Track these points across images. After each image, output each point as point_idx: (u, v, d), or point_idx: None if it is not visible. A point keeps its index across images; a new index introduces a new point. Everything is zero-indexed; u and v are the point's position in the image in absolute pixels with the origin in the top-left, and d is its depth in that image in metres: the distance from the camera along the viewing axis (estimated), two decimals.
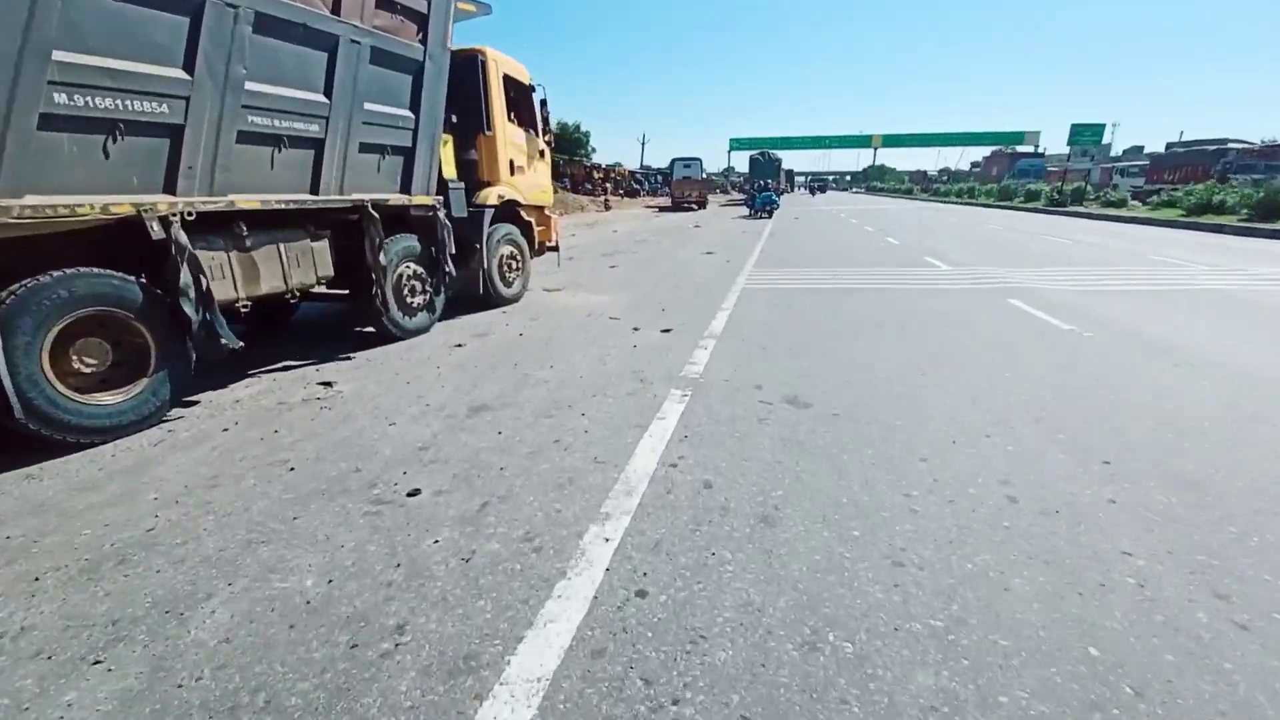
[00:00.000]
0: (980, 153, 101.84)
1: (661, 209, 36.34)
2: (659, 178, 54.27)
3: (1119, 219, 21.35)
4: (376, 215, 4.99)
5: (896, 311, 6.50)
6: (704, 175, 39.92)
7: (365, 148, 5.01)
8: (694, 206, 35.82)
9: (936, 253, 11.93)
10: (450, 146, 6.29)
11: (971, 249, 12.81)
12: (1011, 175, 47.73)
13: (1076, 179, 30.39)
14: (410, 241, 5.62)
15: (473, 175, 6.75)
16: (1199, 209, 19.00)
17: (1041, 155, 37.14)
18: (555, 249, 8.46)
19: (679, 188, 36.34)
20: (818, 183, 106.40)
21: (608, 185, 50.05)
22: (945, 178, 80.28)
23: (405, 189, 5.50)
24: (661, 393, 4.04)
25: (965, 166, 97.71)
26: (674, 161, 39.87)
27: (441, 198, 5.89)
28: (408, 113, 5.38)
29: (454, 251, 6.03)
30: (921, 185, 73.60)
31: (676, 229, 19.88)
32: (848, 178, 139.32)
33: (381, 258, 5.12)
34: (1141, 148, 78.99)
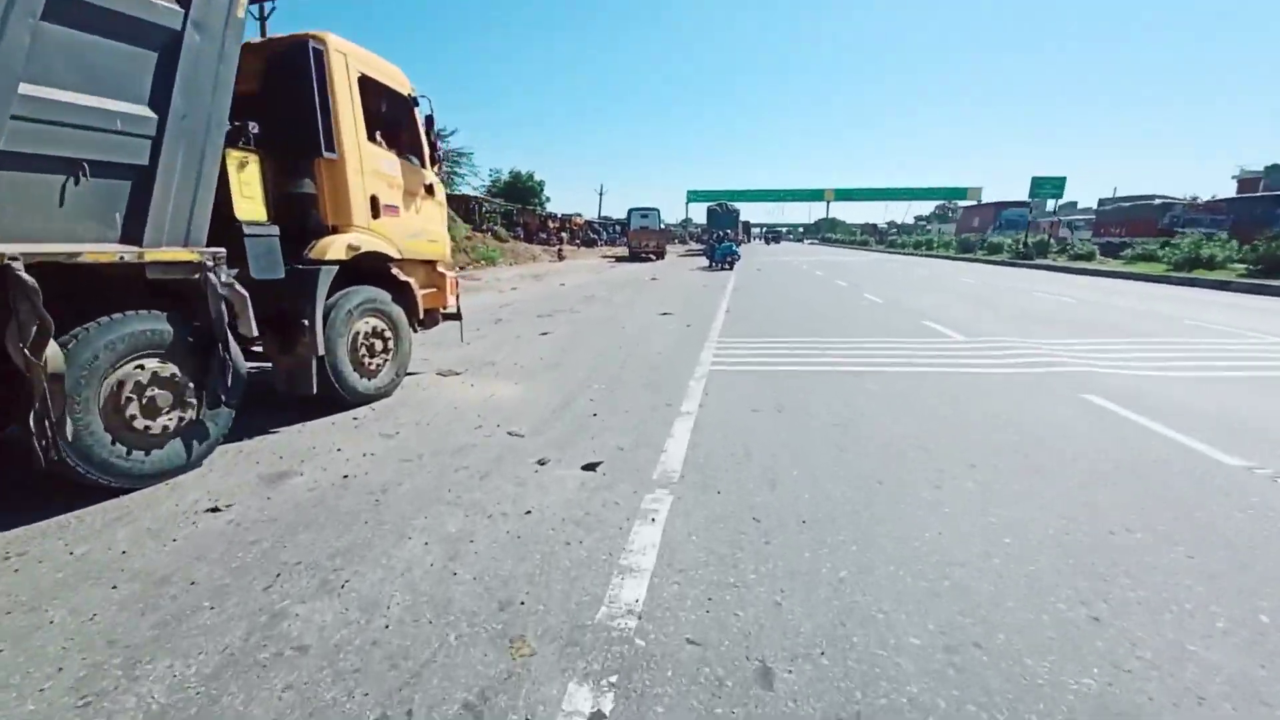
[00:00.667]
0: (925, 207, 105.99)
1: (619, 259, 34.92)
2: (617, 227, 53.18)
3: (1096, 273, 20.48)
4: (31, 282, 2.64)
5: (941, 421, 4.40)
6: (662, 225, 38.90)
7: (22, 162, 2.72)
8: (652, 257, 34.48)
9: (934, 315, 10.15)
10: (254, 170, 4.04)
11: (971, 310, 11.12)
12: (997, 228, 46.11)
13: (1036, 233, 30.33)
14: (145, 324, 3.26)
15: (309, 216, 4.50)
16: (1187, 264, 18.19)
17: (1028, 205, 36.91)
18: (456, 317, 6.19)
19: (636, 238, 35.04)
20: (772, 234, 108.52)
21: (564, 235, 48.72)
22: (895, 230, 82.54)
23: (133, 235, 3.19)
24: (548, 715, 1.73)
25: (910, 220, 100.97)
26: (631, 211, 38.69)
27: (222, 251, 3.58)
28: (140, 109, 3.13)
29: (256, 333, 3.71)
30: (876, 237, 74.86)
31: (631, 282, 17.97)
32: (800, 229, 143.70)
33: (49, 360, 2.73)
34: (1075, 203, 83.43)
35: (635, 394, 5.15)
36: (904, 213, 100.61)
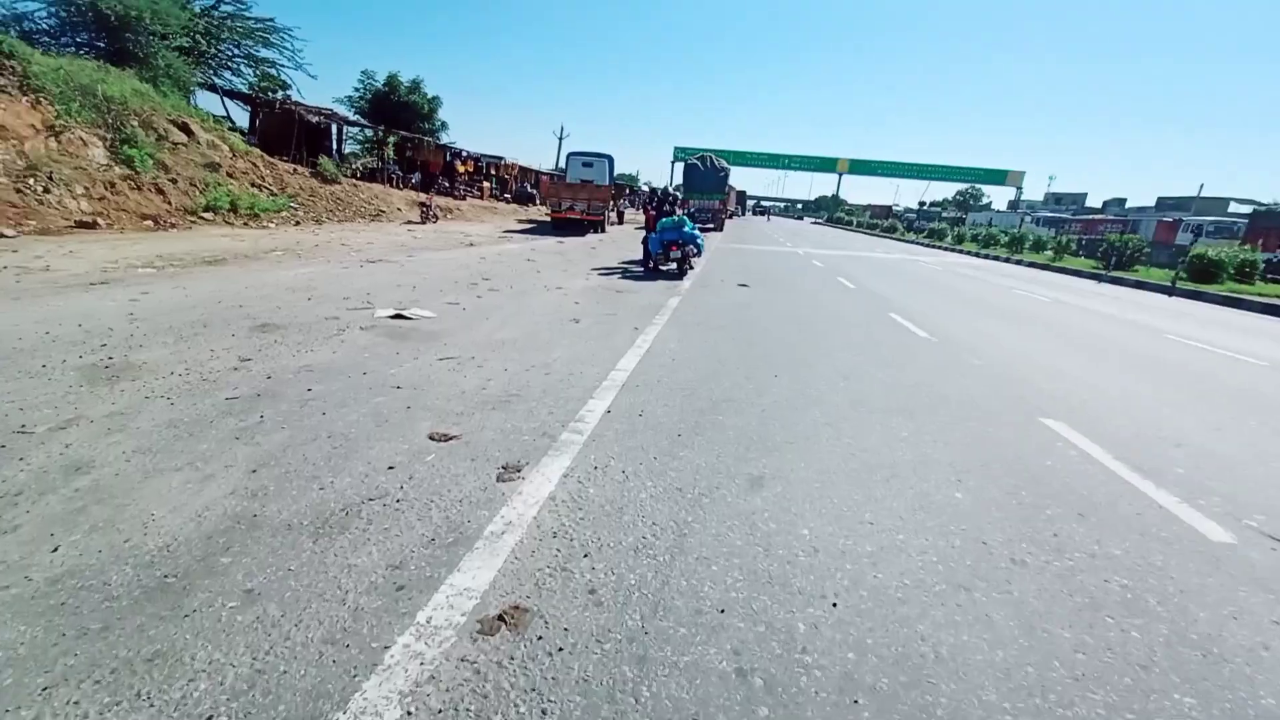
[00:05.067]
0: (944, 190, 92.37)
1: (534, 226, 22.14)
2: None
3: None
4: None
5: None
6: (613, 180, 25.02)
7: None
8: (590, 227, 21.49)
9: None
10: None
11: None
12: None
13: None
14: None
15: None
16: None
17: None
18: None
19: (559, 193, 21.82)
20: (760, 208, 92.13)
21: (485, 184, 35.09)
22: (926, 216, 69.03)
23: None
24: None
25: (915, 205, 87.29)
26: (571, 157, 23.90)
27: None
28: None
29: None
30: (906, 223, 58.28)
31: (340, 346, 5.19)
32: (799, 206, 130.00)
33: None
34: (1124, 200, 71.07)
35: None
36: (924, 191, 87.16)
